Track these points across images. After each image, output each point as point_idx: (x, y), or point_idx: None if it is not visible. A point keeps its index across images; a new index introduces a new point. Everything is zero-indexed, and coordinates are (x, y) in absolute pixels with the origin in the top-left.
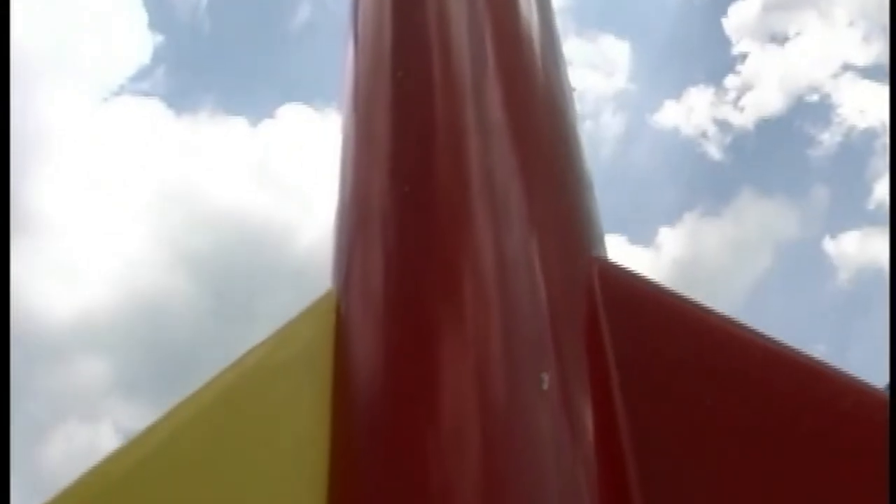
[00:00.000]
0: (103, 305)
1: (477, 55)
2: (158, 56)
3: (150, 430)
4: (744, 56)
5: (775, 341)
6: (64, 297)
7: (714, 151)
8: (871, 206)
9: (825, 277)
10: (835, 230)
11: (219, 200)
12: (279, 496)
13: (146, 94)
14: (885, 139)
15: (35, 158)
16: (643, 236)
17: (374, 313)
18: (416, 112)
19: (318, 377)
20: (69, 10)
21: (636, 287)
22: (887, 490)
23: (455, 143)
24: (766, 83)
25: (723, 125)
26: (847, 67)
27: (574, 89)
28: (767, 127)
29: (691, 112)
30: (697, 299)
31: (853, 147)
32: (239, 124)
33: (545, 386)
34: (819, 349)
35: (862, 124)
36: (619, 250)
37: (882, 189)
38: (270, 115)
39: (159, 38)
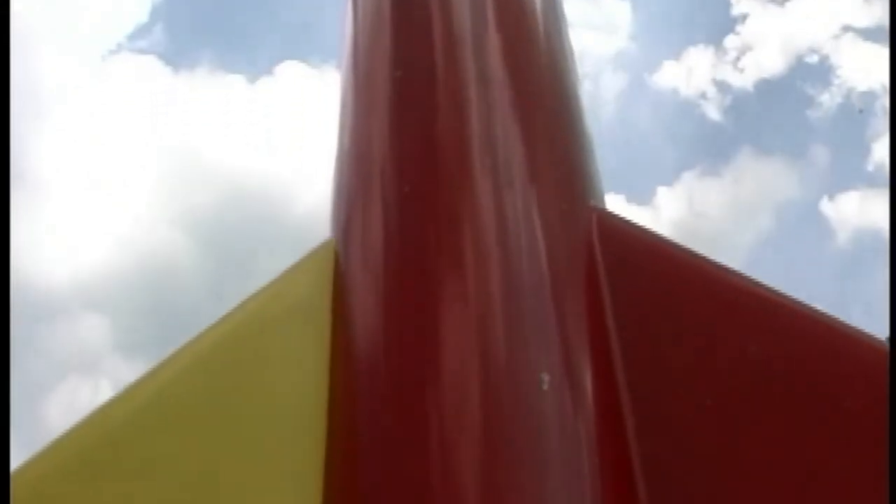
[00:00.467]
0: (103, 263)
1: (478, 12)
2: (157, 14)
3: (143, 381)
4: (744, 17)
5: (786, 296)
6: (64, 255)
7: (713, 112)
8: (871, 167)
9: (824, 238)
10: (833, 191)
11: (218, 159)
12: (276, 446)
13: (144, 51)
14: (885, 101)
15: (33, 117)
16: (642, 196)
17: (374, 262)
18: (417, 64)
19: (316, 326)
20: None
21: (634, 234)
22: (887, 436)
23: (456, 96)
24: (766, 44)
25: (722, 86)
26: (847, 29)
27: (574, 51)
28: (767, 87)
29: (691, 72)
30: None
31: (853, 108)
32: (237, 82)
33: (546, 336)
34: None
35: (862, 86)
36: (618, 209)
37: (881, 151)
38: (269, 72)
39: None
